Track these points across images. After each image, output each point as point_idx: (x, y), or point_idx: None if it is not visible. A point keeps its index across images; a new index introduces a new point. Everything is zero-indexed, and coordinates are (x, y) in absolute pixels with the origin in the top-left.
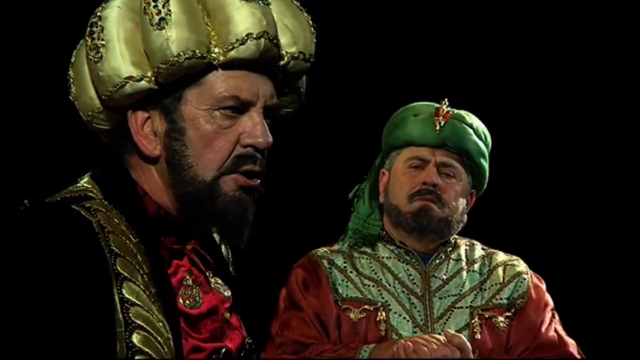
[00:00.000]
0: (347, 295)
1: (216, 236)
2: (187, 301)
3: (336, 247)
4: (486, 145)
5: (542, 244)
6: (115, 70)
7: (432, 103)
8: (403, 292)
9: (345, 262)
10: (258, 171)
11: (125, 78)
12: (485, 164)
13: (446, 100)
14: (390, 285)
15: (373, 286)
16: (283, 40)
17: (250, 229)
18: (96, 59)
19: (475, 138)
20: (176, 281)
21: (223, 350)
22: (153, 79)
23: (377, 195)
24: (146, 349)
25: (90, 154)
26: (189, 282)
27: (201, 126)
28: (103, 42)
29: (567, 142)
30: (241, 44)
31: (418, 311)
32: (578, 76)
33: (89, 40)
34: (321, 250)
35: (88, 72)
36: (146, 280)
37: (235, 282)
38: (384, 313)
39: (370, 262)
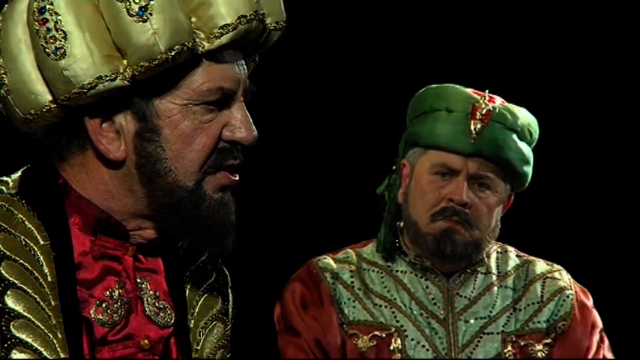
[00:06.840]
0: (354, 317)
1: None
2: (101, 315)
3: (340, 255)
4: (531, 143)
5: (588, 248)
6: (83, 69)
7: (470, 94)
8: (422, 314)
9: (352, 277)
10: (238, 165)
11: (97, 78)
12: (529, 169)
13: (487, 92)
14: (405, 306)
15: (386, 306)
16: None
17: (233, 233)
18: (57, 55)
19: (519, 144)
20: (100, 289)
21: None
22: (128, 76)
23: None
24: None
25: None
26: (115, 294)
27: (180, 123)
28: (63, 33)
29: (614, 136)
30: (233, 29)
31: (440, 338)
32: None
33: (43, 30)
34: (323, 260)
35: (33, 63)
36: (46, 290)
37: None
38: (398, 340)
39: (382, 277)
